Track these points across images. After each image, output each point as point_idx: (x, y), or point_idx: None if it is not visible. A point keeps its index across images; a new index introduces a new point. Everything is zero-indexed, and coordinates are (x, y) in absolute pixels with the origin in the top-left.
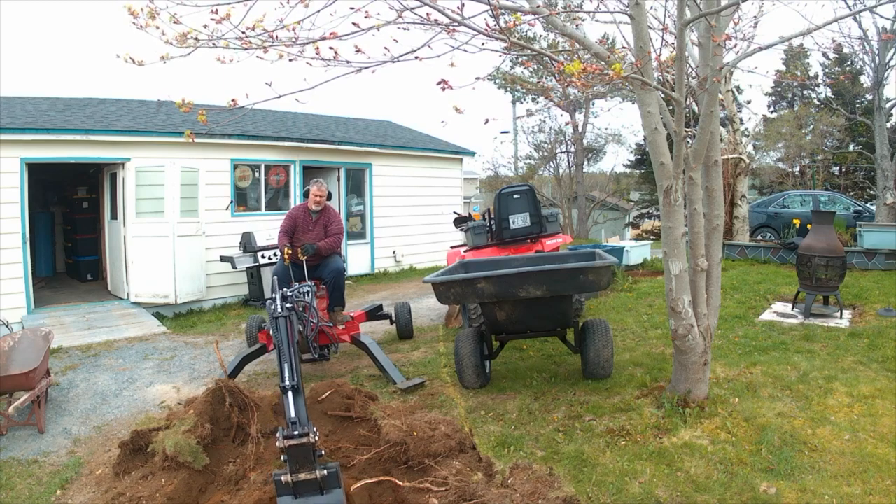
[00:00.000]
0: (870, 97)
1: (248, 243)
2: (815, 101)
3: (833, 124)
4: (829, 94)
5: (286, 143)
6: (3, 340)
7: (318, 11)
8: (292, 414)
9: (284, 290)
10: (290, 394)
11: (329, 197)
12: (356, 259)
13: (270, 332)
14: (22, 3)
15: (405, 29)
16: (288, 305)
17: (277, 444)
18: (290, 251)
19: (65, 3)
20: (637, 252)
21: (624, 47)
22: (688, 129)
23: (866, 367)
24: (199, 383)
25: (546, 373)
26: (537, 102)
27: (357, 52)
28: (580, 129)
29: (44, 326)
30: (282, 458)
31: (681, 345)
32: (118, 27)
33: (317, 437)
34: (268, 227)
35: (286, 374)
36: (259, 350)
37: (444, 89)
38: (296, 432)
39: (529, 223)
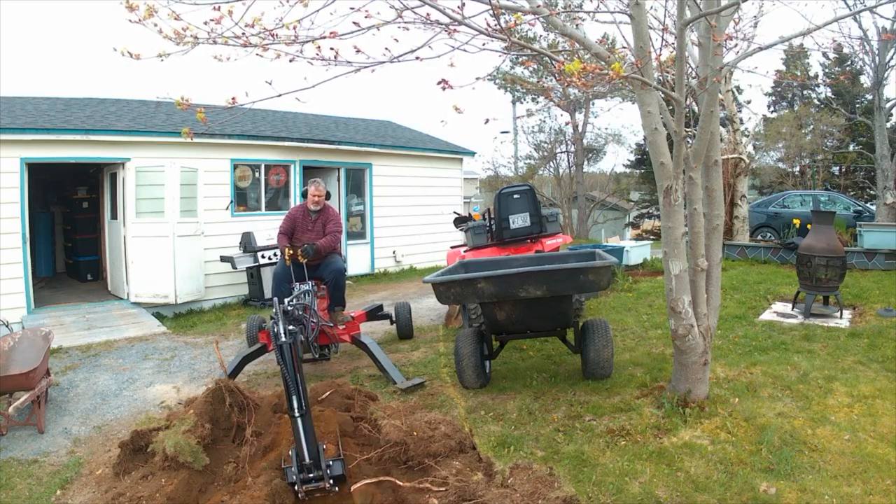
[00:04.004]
0: (870, 97)
1: (248, 243)
2: (815, 101)
3: (833, 124)
4: (829, 94)
5: (286, 143)
6: (3, 340)
7: (318, 11)
8: (306, 455)
9: (285, 305)
10: (299, 422)
11: (328, 196)
12: (356, 259)
13: (277, 361)
14: (22, 3)
15: (405, 29)
16: (291, 328)
17: (292, 483)
18: (291, 251)
19: (65, 3)
20: (637, 252)
21: (624, 47)
22: (688, 129)
23: (866, 367)
24: (199, 383)
25: (546, 373)
26: (537, 102)
27: (357, 52)
28: (580, 129)
29: (44, 326)
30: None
31: (681, 345)
32: (118, 27)
33: (330, 475)
34: (268, 228)
35: (294, 403)
36: (259, 350)
37: (444, 89)
38: (311, 475)
39: (529, 223)
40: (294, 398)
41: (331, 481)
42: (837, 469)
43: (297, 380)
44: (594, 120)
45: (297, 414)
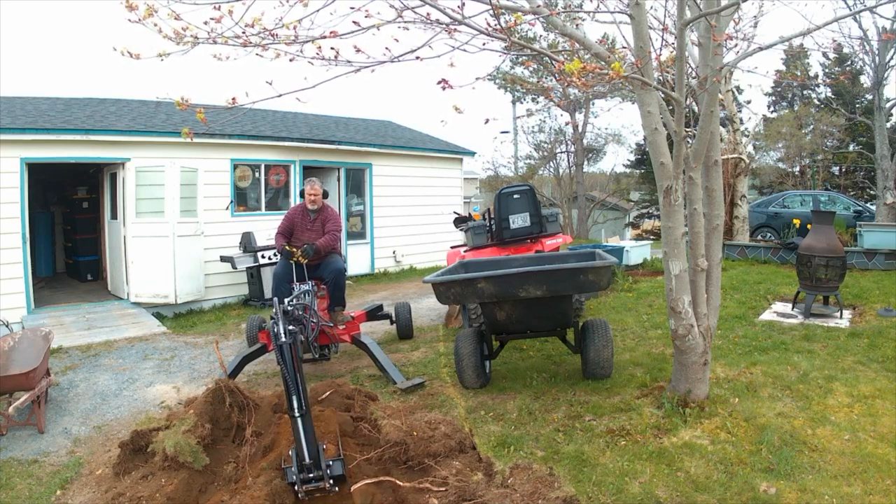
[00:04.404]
0: (870, 97)
1: (248, 243)
2: (815, 101)
3: (833, 124)
4: (829, 94)
5: (286, 143)
6: (3, 340)
7: (318, 10)
8: (306, 455)
9: (285, 305)
10: (299, 422)
11: (326, 195)
12: (356, 259)
13: (277, 361)
14: (22, 3)
15: (405, 29)
16: (291, 328)
17: (293, 484)
18: (293, 249)
19: (65, 3)
20: (637, 252)
21: (624, 47)
22: (688, 129)
23: (866, 367)
24: (199, 383)
25: (546, 373)
26: (537, 102)
27: (357, 51)
28: (580, 129)
29: (44, 326)
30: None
31: (681, 345)
32: (118, 27)
33: (330, 475)
34: (268, 227)
35: (295, 404)
36: (259, 350)
37: (444, 89)
38: (311, 475)
39: (529, 223)
40: (294, 398)
41: (331, 481)
42: (837, 469)
43: (297, 380)
44: (594, 120)
45: (297, 414)
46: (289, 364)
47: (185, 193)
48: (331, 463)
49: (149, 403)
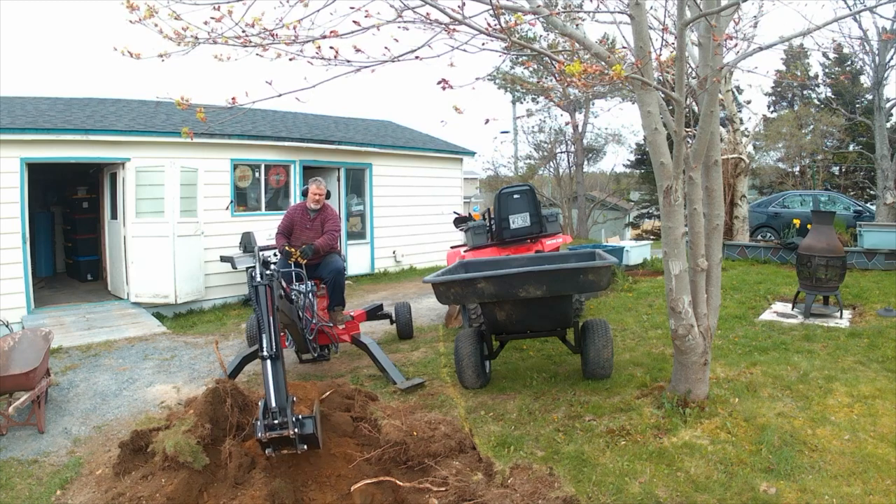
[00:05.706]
0: (870, 97)
1: (248, 243)
2: (815, 101)
3: (833, 124)
4: (829, 94)
5: (286, 143)
6: (3, 340)
7: (318, 10)
8: (272, 400)
9: (266, 256)
10: (268, 364)
11: (328, 195)
12: (356, 259)
13: (252, 305)
14: (22, 3)
15: (405, 28)
16: (269, 272)
17: (257, 434)
18: (293, 250)
19: (65, 3)
20: (637, 252)
21: (624, 47)
22: (688, 129)
23: (866, 367)
24: (199, 383)
25: (546, 373)
26: (537, 102)
27: (357, 51)
28: (580, 129)
29: (44, 326)
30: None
31: (681, 345)
32: (118, 27)
33: (297, 422)
34: (268, 227)
35: (265, 343)
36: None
37: (444, 89)
38: (276, 421)
39: (529, 223)
40: (265, 337)
41: (295, 430)
42: (837, 469)
43: (269, 322)
44: (594, 120)
45: (265, 354)
46: (263, 304)
47: (185, 193)
48: (301, 418)
49: (149, 403)
